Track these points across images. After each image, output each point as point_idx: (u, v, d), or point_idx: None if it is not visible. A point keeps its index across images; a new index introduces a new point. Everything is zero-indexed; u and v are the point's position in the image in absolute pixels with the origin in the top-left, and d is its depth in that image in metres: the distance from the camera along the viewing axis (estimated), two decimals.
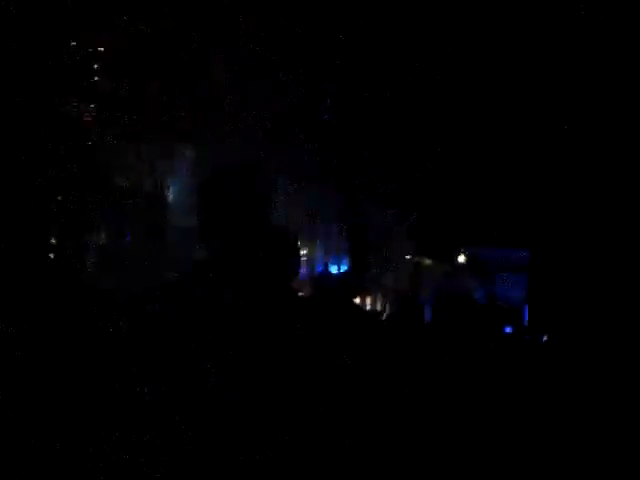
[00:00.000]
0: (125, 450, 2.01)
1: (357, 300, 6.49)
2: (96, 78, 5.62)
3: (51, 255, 5.22)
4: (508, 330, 6.30)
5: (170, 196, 5.76)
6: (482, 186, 7.31)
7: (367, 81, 6.58)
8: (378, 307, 6.77)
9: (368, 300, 6.81)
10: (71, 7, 5.28)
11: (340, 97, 6.72)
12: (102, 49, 5.59)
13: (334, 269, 6.82)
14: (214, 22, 5.72)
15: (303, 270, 7.08)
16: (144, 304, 2.27)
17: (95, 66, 5.66)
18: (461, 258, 8.30)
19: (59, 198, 5.36)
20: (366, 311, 5.91)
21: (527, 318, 7.41)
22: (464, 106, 6.82)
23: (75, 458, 2.17)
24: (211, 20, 5.71)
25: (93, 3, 5.36)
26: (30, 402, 2.52)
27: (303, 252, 7.06)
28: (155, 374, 2.07)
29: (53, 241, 5.28)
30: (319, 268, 6.98)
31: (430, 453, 2.72)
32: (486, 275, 7.90)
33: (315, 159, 6.61)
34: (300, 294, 3.45)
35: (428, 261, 7.85)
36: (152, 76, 5.72)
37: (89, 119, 5.65)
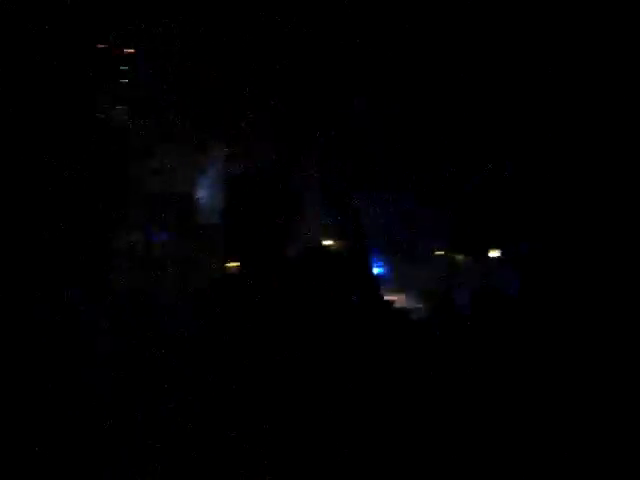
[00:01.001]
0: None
1: (390, 298, 6.46)
2: (126, 80, 5.66)
3: (81, 255, 5.27)
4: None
5: (202, 196, 5.76)
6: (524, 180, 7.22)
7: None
8: (409, 305, 6.74)
9: (400, 299, 6.78)
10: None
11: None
12: (133, 51, 5.63)
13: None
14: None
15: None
16: (176, 306, 2.28)
17: (126, 67, 5.69)
18: (495, 253, 8.24)
19: (88, 198, 5.41)
20: (398, 309, 5.89)
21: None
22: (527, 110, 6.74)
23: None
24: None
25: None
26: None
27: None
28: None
29: (81, 240, 5.34)
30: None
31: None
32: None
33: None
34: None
35: (461, 256, 7.79)
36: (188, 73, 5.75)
37: (122, 120, 5.69)
